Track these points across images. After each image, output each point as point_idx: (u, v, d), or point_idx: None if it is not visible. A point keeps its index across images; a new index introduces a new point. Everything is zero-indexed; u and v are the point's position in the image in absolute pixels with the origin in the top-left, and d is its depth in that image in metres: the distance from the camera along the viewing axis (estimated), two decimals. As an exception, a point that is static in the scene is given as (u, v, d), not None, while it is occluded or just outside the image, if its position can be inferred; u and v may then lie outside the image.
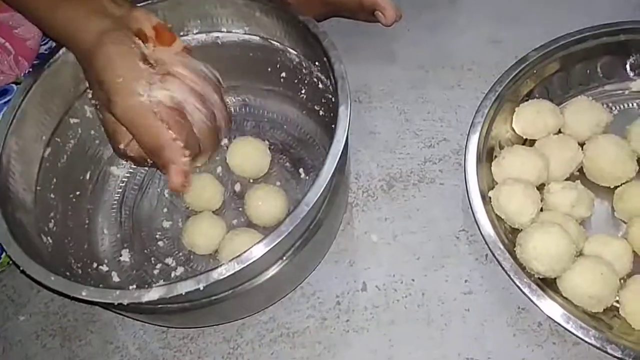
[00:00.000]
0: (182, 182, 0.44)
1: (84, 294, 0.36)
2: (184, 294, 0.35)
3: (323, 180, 0.39)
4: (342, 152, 0.41)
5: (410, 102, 0.61)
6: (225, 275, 0.36)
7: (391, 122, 0.60)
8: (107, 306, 0.43)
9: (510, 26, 0.64)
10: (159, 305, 0.40)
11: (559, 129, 0.53)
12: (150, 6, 0.50)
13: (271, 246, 0.37)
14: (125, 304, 0.36)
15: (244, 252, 0.37)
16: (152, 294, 0.35)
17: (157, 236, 0.54)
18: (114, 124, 0.44)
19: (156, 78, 0.43)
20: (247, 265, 0.36)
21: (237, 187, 0.56)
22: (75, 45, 0.45)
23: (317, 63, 0.51)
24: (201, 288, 0.35)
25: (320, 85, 0.53)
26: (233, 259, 0.36)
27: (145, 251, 0.54)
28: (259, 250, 0.37)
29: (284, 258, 0.42)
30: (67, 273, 0.46)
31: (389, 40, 0.65)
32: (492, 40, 0.63)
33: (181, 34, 0.54)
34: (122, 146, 0.43)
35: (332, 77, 0.44)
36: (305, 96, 0.56)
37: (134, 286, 0.49)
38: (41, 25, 0.48)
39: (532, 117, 0.53)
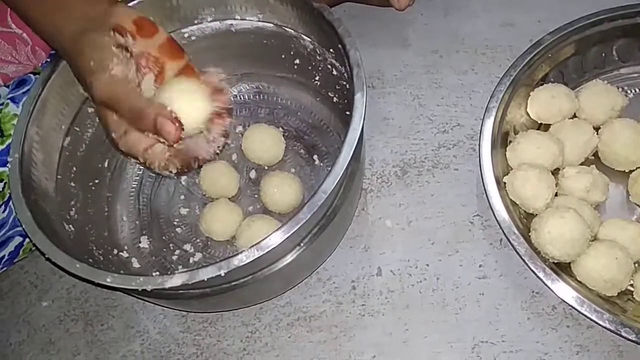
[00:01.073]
0: (177, 129, 0.40)
1: (108, 280, 0.37)
2: (206, 279, 0.36)
3: (340, 168, 0.40)
4: (358, 140, 0.41)
5: (424, 87, 0.61)
6: (245, 262, 0.36)
7: (405, 107, 0.60)
8: (129, 292, 0.44)
9: (524, 9, 0.63)
10: (181, 291, 0.41)
11: (574, 114, 0.53)
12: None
13: (290, 233, 0.38)
14: (149, 290, 0.37)
15: (264, 239, 0.37)
16: (175, 280, 0.36)
17: (175, 223, 0.55)
18: (104, 116, 0.43)
19: (130, 59, 0.42)
20: (267, 252, 0.37)
21: (253, 174, 0.57)
22: (56, 47, 0.46)
23: (331, 50, 0.51)
24: (222, 274, 0.36)
25: (335, 72, 0.53)
26: (253, 245, 0.37)
27: (164, 238, 0.55)
28: (278, 237, 0.38)
29: (302, 244, 0.43)
30: (90, 260, 0.47)
31: (402, 25, 0.65)
32: (505, 23, 0.63)
33: (195, 21, 0.54)
34: (114, 136, 0.42)
35: (347, 65, 0.44)
36: (319, 83, 0.56)
37: (156, 272, 0.50)
38: (29, 24, 0.49)
39: (546, 101, 0.52)
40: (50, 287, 0.56)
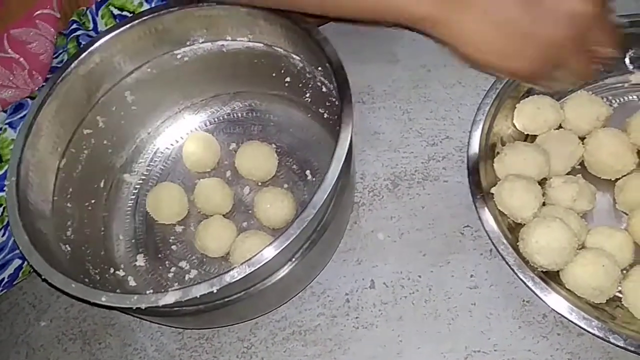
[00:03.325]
0: None
1: (103, 299, 0.38)
2: (198, 296, 0.37)
3: (328, 184, 0.41)
4: (346, 155, 0.42)
5: (413, 102, 0.62)
6: (237, 278, 0.37)
7: (394, 121, 0.61)
8: (125, 310, 0.45)
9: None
10: (175, 308, 0.42)
11: (560, 124, 0.54)
12: (155, 18, 0.51)
13: (280, 249, 0.39)
14: (143, 308, 0.37)
15: (255, 255, 0.38)
16: (168, 298, 0.37)
17: (171, 240, 0.56)
18: None
19: None
20: (258, 268, 0.38)
21: (246, 191, 0.58)
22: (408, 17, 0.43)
23: (320, 68, 0.52)
24: (215, 291, 0.37)
25: (324, 89, 0.54)
26: (244, 262, 0.38)
27: (160, 256, 0.56)
28: (268, 253, 0.39)
29: (293, 259, 0.43)
30: (86, 279, 0.48)
31: (390, 40, 0.66)
32: (492, 37, 0.64)
33: (187, 43, 0.55)
34: None
35: (334, 82, 0.46)
36: (309, 100, 0.57)
37: (151, 290, 0.51)
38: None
39: (532, 113, 0.53)
40: (49, 307, 0.57)
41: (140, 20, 0.51)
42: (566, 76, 0.44)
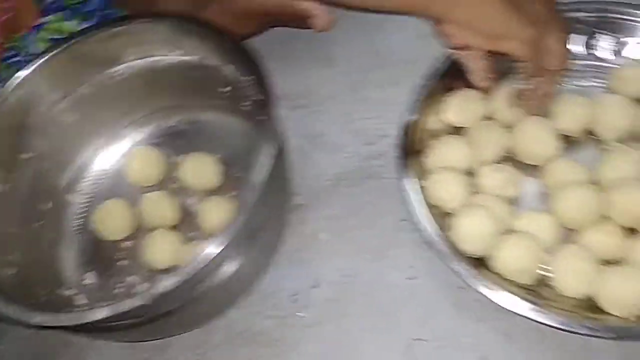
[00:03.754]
0: None
1: (38, 320, 0.39)
2: (128, 310, 0.38)
3: (251, 192, 0.42)
4: (269, 162, 0.43)
5: (351, 103, 0.64)
6: (164, 290, 0.39)
7: (333, 124, 0.63)
8: (65, 330, 0.46)
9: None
10: (115, 323, 0.43)
11: (488, 116, 0.56)
12: (85, 39, 0.53)
13: (206, 260, 0.40)
14: (73, 325, 0.39)
15: (182, 266, 0.40)
16: (99, 314, 0.38)
17: (120, 256, 0.57)
18: None
19: None
20: (188, 279, 0.39)
21: (192, 201, 0.59)
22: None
23: (251, 77, 0.53)
24: (143, 304, 0.38)
25: (261, 97, 0.55)
26: (171, 273, 0.39)
27: (110, 272, 0.56)
28: (196, 264, 0.40)
29: (227, 263, 0.45)
30: (32, 301, 0.48)
31: (327, 45, 0.68)
32: (424, 36, 0.66)
33: (120, 61, 0.56)
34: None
35: (262, 91, 0.47)
36: (248, 108, 0.59)
37: (86, 307, 0.52)
38: None
39: (460, 106, 0.56)
40: (5, 331, 0.58)
41: (64, 47, 0.52)
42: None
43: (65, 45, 0.52)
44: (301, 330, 0.52)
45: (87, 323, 0.38)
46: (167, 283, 0.40)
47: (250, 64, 0.50)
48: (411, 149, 0.54)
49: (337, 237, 0.56)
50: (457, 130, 0.57)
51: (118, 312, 0.38)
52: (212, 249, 0.41)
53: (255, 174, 0.43)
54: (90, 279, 0.56)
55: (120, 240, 0.58)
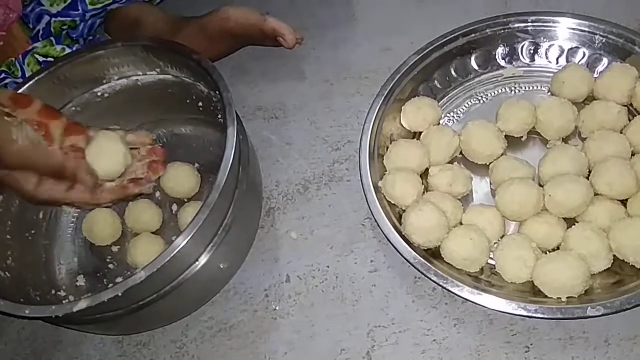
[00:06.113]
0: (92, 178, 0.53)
1: (27, 312, 0.44)
2: (106, 300, 0.43)
3: (213, 196, 0.48)
4: (230, 168, 0.49)
5: (319, 113, 0.69)
6: (135, 283, 0.44)
7: (304, 132, 0.68)
8: (53, 321, 0.50)
9: (399, 34, 0.72)
10: (97, 315, 0.48)
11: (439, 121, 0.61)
12: (69, 62, 0.58)
13: (171, 254, 0.45)
14: (61, 315, 0.43)
15: (153, 260, 0.45)
16: (81, 304, 0.43)
17: (108, 260, 0.62)
18: (14, 178, 0.51)
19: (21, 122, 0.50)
20: (153, 271, 0.44)
21: (175, 207, 0.64)
22: None
23: (217, 92, 0.59)
24: (120, 294, 0.43)
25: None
26: (144, 267, 0.44)
27: (98, 274, 0.61)
28: (162, 259, 0.45)
29: (198, 261, 0.50)
30: (25, 300, 0.53)
31: (298, 60, 0.73)
32: (385, 49, 0.72)
33: (104, 81, 0.62)
34: (29, 188, 0.51)
35: (223, 105, 0.52)
36: (222, 120, 0.64)
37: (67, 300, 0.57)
38: None
39: (414, 112, 0.61)
40: (3, 331, 0.63)
41: (50, 69, 0.58)
42: None
43: (52, 68, 0.58)
44: (271, 322, 0.57)
45: (71, 313, 0.43)
46: (137, 276, 0.45)
47: (212, 79, 0.55)
48: (372, 153, 0.59)
49: (307, 235, 0.61)
50: (414, 135, 0.62)
51: (97, 303, 0.43)
52: (169, 251, 0.46)
53: (219, 176, 0.48)
54: (81, 281, 0.61)
55: (108, 245, 0.63)
